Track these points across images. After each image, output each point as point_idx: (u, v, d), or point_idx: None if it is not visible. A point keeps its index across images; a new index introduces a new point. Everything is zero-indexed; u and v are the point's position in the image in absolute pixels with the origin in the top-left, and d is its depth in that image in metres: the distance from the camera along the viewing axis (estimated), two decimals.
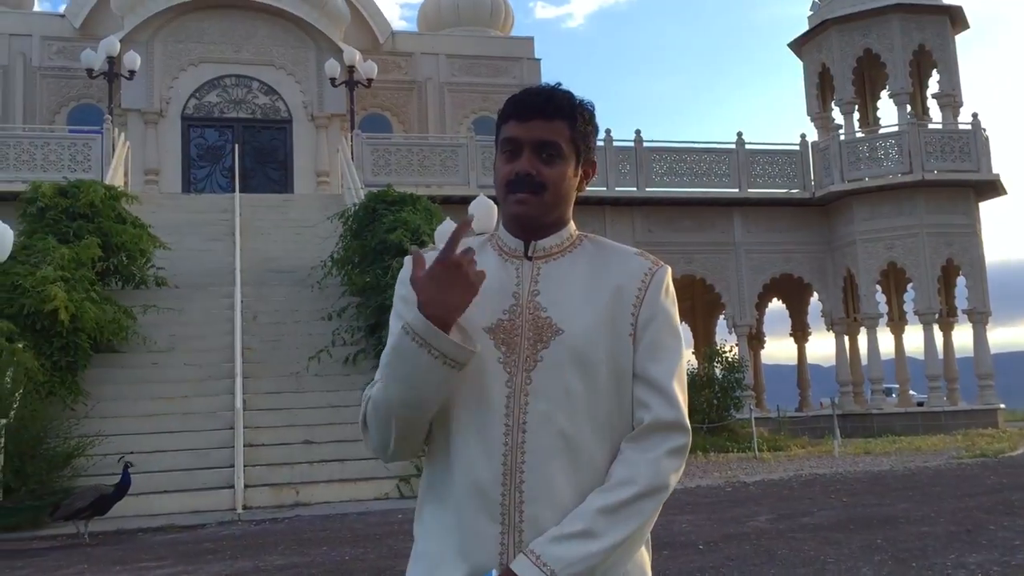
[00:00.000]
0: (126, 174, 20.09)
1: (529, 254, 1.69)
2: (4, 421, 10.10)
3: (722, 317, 23.56)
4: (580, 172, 1.71)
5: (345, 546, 8.01)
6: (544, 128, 1.64)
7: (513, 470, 1.56)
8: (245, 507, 10.42)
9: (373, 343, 13.20)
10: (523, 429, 1.57)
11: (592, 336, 1.61)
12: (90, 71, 20.99)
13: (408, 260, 1.77)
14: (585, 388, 1.59)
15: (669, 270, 1.70)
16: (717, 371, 19.09)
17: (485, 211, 13.34)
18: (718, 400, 18.55)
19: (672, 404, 1.61)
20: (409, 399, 1.56)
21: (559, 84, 1.71)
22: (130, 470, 9.37)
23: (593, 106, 1.71)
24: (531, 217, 1.66)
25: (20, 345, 11.26)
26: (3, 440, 10.02)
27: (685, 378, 1.67)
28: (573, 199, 1.72)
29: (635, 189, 21.95)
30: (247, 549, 8.08)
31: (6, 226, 12.46)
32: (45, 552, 8.54)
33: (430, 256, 1.75)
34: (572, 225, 1.73)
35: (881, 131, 23.27)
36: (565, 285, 1.66)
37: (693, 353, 24.78)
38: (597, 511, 1.53)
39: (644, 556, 1.64)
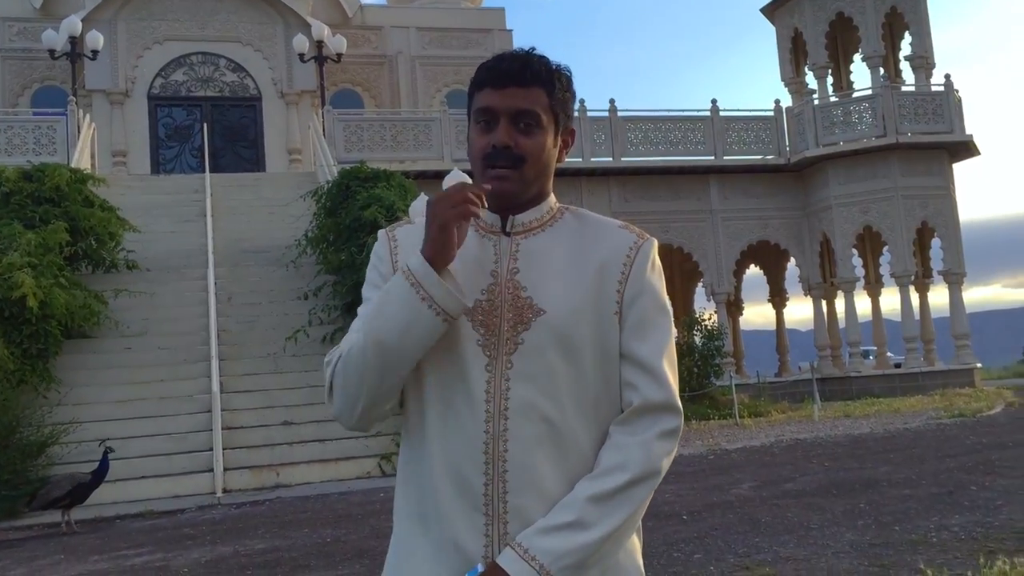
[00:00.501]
0: (93, 156, 19.71)
1: (507, 229, 1.59)
2: None
3: (700, 285, 23.59)
4: (559, 142, 1.61)
5: (327, 527, 7.94)
6: (521, 96, 1.54)
7: (495, 459, 1.48)
8: (225, 490, 10.34)
9: (350, 321, 13.03)
10: (505, 416, 1.48)
11: (576, 316, 1.52)
12: (52, 52, 20.51)
13: (382, 234, 1.67)
14: (570, 371, 1.50)
15: (655, 243, 1.62)
16: (697, 339, 19.13)
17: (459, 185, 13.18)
18: (698, 368, 18.60)
19: (661, 384, 1.52)
20: (390, 343, 1.46)
21: (533, 49, 1.61)
22: (108, 456, 9.25)
23: (570, 71, 1.62)
24: (510, 193, 1.56)
25: None
26: None
27: (675, 356, 1.59)
28: (553, 171, 1.62)
29: (611, 159, 21.85)
30: (228, 533, 8.00)
31: None
32: (21, 543, 8.42)
33: (404, 230, 1.65)
34: (552, 198, 1.64)
35: (855, 95, 23.27)
36: (546, 262, 1.56)
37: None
38: (587, 500, 1.45)
39: (635, 543, 1.57)
